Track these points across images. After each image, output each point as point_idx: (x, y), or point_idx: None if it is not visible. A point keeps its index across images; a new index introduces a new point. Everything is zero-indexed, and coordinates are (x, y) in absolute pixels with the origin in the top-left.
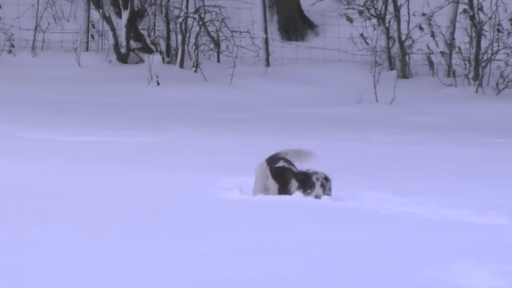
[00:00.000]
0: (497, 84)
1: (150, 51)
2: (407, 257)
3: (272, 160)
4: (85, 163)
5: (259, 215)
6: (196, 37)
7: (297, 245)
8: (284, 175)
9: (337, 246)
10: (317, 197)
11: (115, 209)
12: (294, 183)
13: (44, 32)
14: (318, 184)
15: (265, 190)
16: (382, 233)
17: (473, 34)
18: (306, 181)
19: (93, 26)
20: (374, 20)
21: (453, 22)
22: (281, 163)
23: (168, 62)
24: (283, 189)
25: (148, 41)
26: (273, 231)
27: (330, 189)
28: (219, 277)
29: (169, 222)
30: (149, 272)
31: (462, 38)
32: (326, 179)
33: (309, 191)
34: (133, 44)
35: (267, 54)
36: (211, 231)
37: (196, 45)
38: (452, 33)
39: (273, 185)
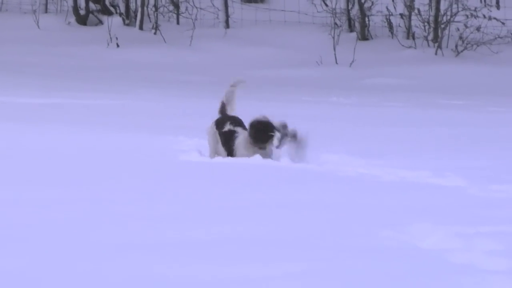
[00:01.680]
0: (456, 46)
1: (109, 13)
2: (365, 218)
3: (220, 123)
4: (43, 125)
5: (219, 177)
6: None
7: (256, 206)
8: (232, 138)
9: (295, 208)
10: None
11: (74, 171)
12: (239, 144)
13: None
14: (276, 135)
15: (217, 154)
16: (340, 195)
17: None
18: (262, 131)
19: None
20: None
21: None
22: (227, 127)
23: (128, 24)
24: (231, 154)
25: (107, 2)
26: (233, 193)
27: (295, 135)
28: (180, 239)
29: (129, 185)
30: (108, 235)
31: (421, 0)
32: (285, 126)
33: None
34: (92, 6)
35: (227, 16)
36: (171, 193)
37: (156, 7)
38: None
39: (222, 151)
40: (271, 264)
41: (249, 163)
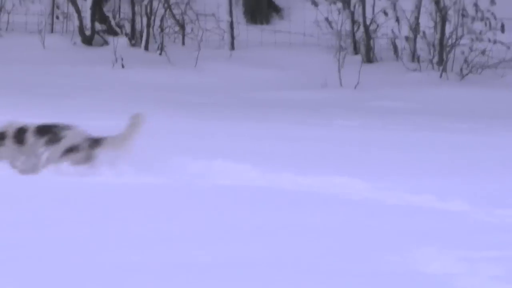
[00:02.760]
0: (461, 69)
1: (115, 34)
2: (369, 243)
3: None
4: None
5: (222, 201)
6: (161, 20)
7: (257, 230)
8: None
9: (297, 232)
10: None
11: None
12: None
13: (8, 13)
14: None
15: None
16: (345, 219)
17: (438, 19)
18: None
19: (58, 7)
20: (339, 4)
21: (418, 7)
22: None
23: (133, 45)
24: None
25: (113, 23)
26: (235, 216)
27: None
28: (190, 261)
29: (137, 207)
30: (121, 256)
31: (426, 23)
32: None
33: None
34: (98, 26)
35: (232, 37)
36: (172, 216)
37: (161, 28)
38: (417, 18)
39: None
40: None
41: (251, 185)
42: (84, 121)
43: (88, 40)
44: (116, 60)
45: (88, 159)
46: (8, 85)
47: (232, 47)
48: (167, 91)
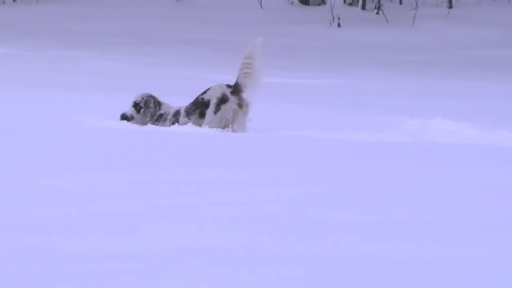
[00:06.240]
0: None
1: None
2: None
3: None
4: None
5: (435, 158)
6: None
7: (476, 187)
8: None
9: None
10: None
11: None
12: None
13: None
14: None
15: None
16: None
17: None
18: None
19: None
20: None
21: None
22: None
23: (350, 4)
24: None
25: None
26: (450, 174)
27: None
28: (411, 218)
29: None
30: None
31: None
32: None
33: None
34: None
35: None
36: (388, 174)
37: None
38: None
39: None
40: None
41: (469, 143)
42: (298, 80)
43: (305, 0)
44: (333, 20)
45: (241, 105)
46: (226, 45)
47: (450, 5)
48: (384, 50)
